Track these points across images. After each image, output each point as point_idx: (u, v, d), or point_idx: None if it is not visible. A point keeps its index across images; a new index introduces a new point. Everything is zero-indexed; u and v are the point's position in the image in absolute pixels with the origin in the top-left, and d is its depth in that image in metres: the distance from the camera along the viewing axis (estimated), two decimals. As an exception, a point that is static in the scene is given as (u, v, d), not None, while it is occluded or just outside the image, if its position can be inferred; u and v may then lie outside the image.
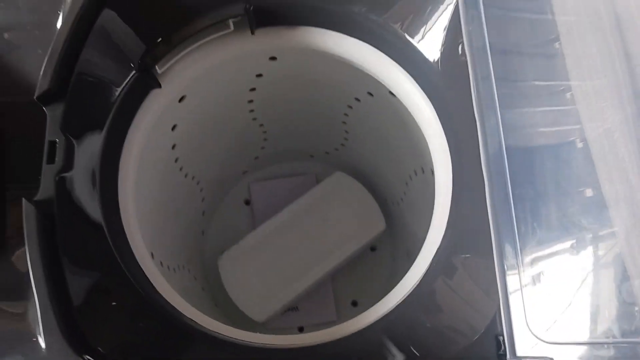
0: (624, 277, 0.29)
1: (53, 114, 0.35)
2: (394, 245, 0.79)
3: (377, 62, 0.46)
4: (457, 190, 0.41)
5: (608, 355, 0.28)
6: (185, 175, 0.65)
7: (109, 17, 0.37)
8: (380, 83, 0.50)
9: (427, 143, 0.49)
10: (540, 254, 0.32)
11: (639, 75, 0.33)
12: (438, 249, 0.37)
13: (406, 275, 0.40)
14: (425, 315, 0.34)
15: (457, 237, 0.37)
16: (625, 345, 0.28)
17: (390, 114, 0.57)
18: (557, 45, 0.36)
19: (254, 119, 0.67)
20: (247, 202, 0.82)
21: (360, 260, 0.78)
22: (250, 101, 0.62)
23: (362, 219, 0.75)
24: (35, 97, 0.35)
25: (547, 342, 0.30)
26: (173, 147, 0.57)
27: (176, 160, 0.60)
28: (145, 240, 0.43)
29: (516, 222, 0.34)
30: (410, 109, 0.48)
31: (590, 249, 0.31)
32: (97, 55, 0.37)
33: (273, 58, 0.54)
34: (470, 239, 0.36)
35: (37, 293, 0.31)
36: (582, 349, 0.29)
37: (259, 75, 0.57)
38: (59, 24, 0.37)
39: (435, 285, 0.35)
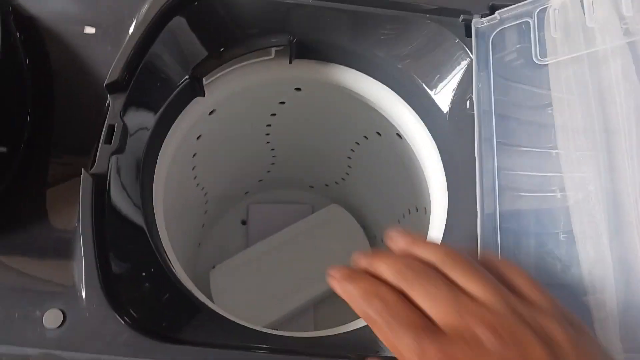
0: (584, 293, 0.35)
1: (115, 102, 0.40)
2: (376, 281, 0.83)
3: (392, 104, 0.53)
4: (449, 223, 0.46)
5: None
6: (197, 185, 0.69)
7: (177, 23, 0.43)
8: (390, 124, 0.56)
9: (426, 183, 0.55)
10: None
11: (614, 149, 0.40)
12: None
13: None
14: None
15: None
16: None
17: (394, 155, 0.63)
18: (549, 111, 0.43)
19: (268, 142, 0.72)
20: (244, 222, 0.87)
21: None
22: (269, 125, 0.68)
23: (351, 251, 0.80)
24: (104, 85, 0.40)
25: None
26: (194, 155, 0.62)
27: (193, 169, 0.65)
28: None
29: (500, 250, 0.39)
30: (415, 149, 0.54)
31: (556, 268, 0.37)
32: (161, 56, 0.43)
33: (298, 89, 0.60)
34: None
35: (84, 251, 0.35)
36: None
37: (282, 103, 0.63)
38: (131, 29, 0.43)
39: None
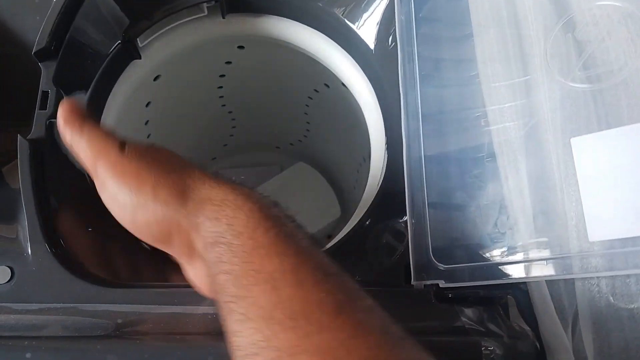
0: (500, 213, 0.37)
1: (47, 69, 0.41)
2: (348, 233, 0.86)
3: (329, 52, 0.54)
4: (390, 158, 0.48)
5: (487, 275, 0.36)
6: (158, 153, 0.71)
7: (99, -7, 0.44)
8: (333, 74, 0.58)
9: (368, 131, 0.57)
10: (442, 201, 0.40)
11: (530, 71, 0.41)
12: (368, 207, 0.44)
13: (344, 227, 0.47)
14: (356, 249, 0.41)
15: (385, 196, 0.44)
16: (502, 264, 0.35)
17: (344, 105, 0.64)
18: (471, 42, 0.44)
19: (223, 105, 0.74)
20: (214, 188, 0.89)
21: (317, 246, 0.84)
22: (220, 87, 0.69)
23: (320, 206, 0.83)
24: (32, 53, 0.41)
25: (441, 269, 0.38)
26: (146, 123, 0.64)
27: (148, 137, 0.66)
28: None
29: (426, 181, 0.41)
30: (357, 96, 0.56)
31: (481, 196, 0.39)
32: (87, 24, 0.44)
33: (241, 47, 0.61)
34: (393, 202, 0.43)
35: (26, 211, 0.37)
36: (468, 270, 0.36)
37: (228, 63, 0.64)
38: (55, -2, 0.44)
39: (363, 230, 0.42)
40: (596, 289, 0.33)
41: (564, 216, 0.34)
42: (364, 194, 0.49)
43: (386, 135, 0.49)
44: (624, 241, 0.31)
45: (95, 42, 0.45)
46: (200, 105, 0.71)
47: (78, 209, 0.41)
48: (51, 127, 0.40)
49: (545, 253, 0.35)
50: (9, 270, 0.36)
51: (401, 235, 0.40)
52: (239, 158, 0.89)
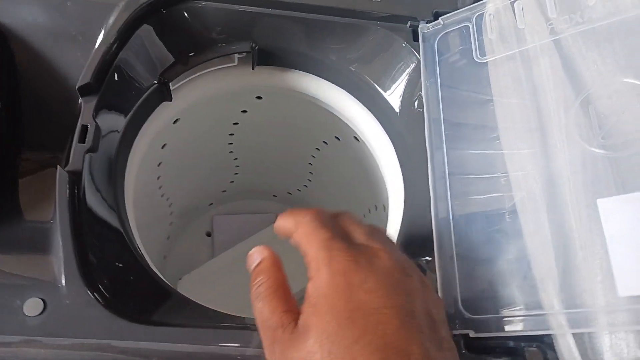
0: (527, 267, 0.39)
1: (87, 104, 0.42)
2: (340, 285, 0.86)
3: (349, 106, 0.56)
4: (406, 215, 0.50)
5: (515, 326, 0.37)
6: (162, 195, 0.71)
7: (146, 31, 0.46)
8: (348, 127, 0.60)
9: (384, 181, 0.59)
10: (470, 254, 0.42)
11: (548, 139, 0.44)
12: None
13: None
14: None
15: (405, 245, 0.46)
16: (529, 316, 0.37)
17: (352, 157, 0.66)
18: (491, 107, 0.47)
19: (231, 152, 0.75)
20: (209, 234, 0.88)
21: (308, 298, 0.84)
22: (231, 134, 0.71)
23: (315, 257, 0.83)
24: (77, 88, 0.42)
25: (471, 319, 0.39)
26: (159, 164, 0.64)
27: (158, 178, 0.67)
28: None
29: (453, 234, 0.43)
30: (372, 149, 0.58)
31: (507, 250, 0.41)
32: (130, 61, 0.45)
33: (259, 97, 0.63)
34: (416, 245, 0.45)
35: (63, 245, 0.37)
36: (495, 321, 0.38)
37: (244, 112, 0.66)
38: (100, 37, 0.45)
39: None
40: (624, 344, 0.35)
41: (589, 272, 0.36)
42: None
43: (405, 186, 0.51)
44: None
45: (133, 80, 0.46)
46: (210, 151, 0.72)
47: (110, 245, 0.40)
48: (89, 161, 0.41)
49: (572, 307, 0.37)
50: (42, 302, 0.35)
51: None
52: (235, 205, 0.90)
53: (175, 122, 0.59)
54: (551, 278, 0.38)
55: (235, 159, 0.77)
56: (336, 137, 0.67)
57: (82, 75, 0.42)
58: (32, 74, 0.44)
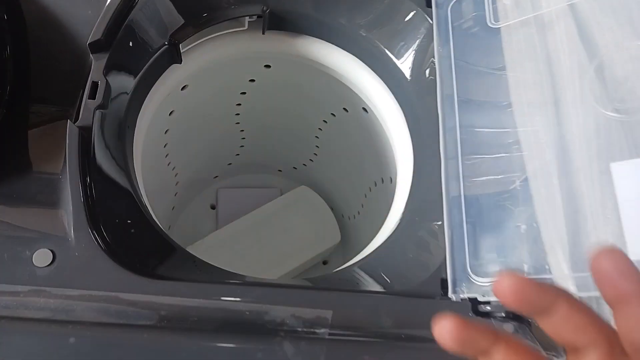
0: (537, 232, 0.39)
1: (98, 61, 0.42)
2: (344, 260, 0.86)
3: (359, 74, 0.56)
4: (414, 186, 0.49)
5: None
6: (168, 164, 0.71)
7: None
8: (357, 96, 0.59)
9: (392, 152, 0.58)
10: (479, 220, 0.42)
11: (561, 101, 0.44)
12: (402, 215, 0.45)
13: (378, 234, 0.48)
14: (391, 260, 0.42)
15: (415, 211, 0.46)
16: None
17: (361, 130, 0.66)
18: (504, 74, 0.47)
19: (237, 122, 0.74)
20: (213, 207, 0.88)
21: (311, 272, 0.84)
22: (239, 104, 0.70)
23: (319, 231, 0.83)
24: (87, 44, 0.41)
25: (479, 284, 0.39)
26: (166, 131, 0.64)
27: (165, 146, 0.66)
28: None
29: (464, 200, 0.43)
30: (382, 119, 0.58)
31: (518, 216, 0.40)
32: (141, 20, 0.45)
33: (267, 66, 0.63)
34: (425, 210, 0.45)
35: (72, 198, 0.37)
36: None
37: (252, 80, 0.66)
38: (110, -6, 0.45)
39: (397, 242, 0.43)
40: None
41: (599, 237, 0.36)
42: (391, 210, 0.50)
43: (414, 154, 0.51)
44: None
45: (144, 41, 0.46)
46: (216, 121, 0.71)
47: (118, 201, 0.40)
48: (99, 117, 0.41)
49: (581, 271, 0.37)
50: (51, 254, 0.35)
51: (436, 248, 0.41)
52: (240, 179, 0.89)
53: (183, 88, 0.59)
54: (561, 243, 0.38)
55: (242, 130, 0.77)
56: (344, 109, 0.67)
57: (93, 31, 0.42)
58: (41, 27, 0.43)
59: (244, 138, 0.79)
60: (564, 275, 0.37)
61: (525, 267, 0.38)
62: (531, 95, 0.44)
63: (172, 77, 0.53)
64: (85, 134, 0.39)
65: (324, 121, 0.72)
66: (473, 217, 0.42)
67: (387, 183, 0.66)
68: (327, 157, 0.80)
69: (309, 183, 0.86)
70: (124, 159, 0.44)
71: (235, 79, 0.64)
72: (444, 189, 0.44)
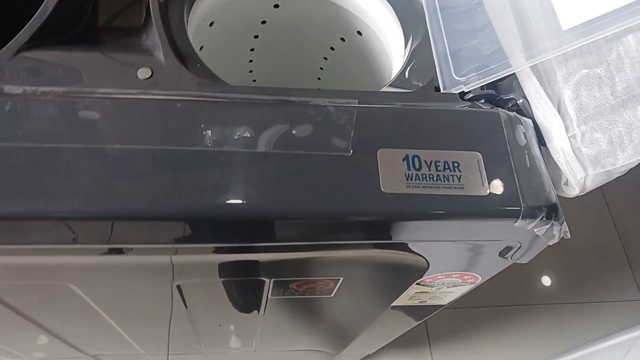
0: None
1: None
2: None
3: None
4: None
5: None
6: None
7: None
8: (355, 17, 0.73)
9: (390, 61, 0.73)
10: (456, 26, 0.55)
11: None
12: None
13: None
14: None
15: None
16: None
17: (359, 55, 0.80)
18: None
19: (250, 71, 0.88)
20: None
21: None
22: (252, 50, 0.84)
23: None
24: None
25: (462, 80, 0.52)
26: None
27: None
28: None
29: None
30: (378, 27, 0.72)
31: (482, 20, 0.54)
32: None
33: (276, 5, 0.77)
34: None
35: (158, 33, 0.50)
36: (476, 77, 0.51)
37: (264, 22, 0.80)
38: None
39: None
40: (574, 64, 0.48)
41: (536, 19, 0.50)
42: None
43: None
44: (592, 21, 0.46)
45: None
46: (232, 64, 0.85)
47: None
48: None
49: (528, 48, 0.50)
50: (150, 70, 0.48)
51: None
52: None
53: (211, 24, 0.73)
54: (510, 32, 0.51)
55: (251, 71, 0.90)
56: (341, 39, 0.81)
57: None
58: None
59: (254, 80, 0.92)
60: (515, 55, 0.50)
61: (489, 58, 0.52)
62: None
63: (196, 12, 0.67)
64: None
65: (325, 58, 0.86)
66: (448, 24, 0.56)
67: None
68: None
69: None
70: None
71: (250, 19, 0.78)
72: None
